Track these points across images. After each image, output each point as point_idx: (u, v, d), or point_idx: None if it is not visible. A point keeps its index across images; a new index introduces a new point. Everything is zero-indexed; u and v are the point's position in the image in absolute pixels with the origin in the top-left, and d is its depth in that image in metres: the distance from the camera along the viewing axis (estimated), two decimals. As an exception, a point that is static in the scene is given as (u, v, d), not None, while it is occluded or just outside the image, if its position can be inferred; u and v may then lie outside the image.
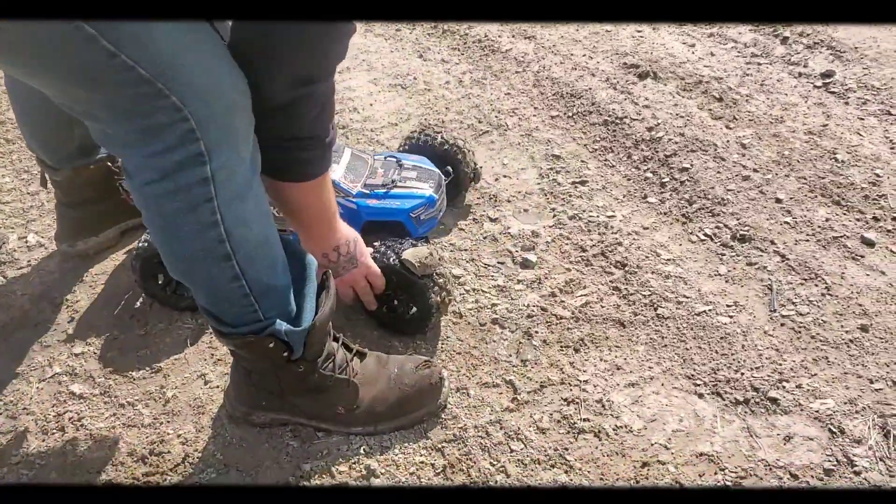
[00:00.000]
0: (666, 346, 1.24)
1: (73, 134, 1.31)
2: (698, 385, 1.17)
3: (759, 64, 2.03)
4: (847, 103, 1.83)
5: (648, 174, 1.65)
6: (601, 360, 1.22)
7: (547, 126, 1.84)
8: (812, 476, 1.03)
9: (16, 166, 1.77)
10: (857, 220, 1.47)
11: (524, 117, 1.87)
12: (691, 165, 1.64)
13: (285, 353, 0.98)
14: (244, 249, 0.88)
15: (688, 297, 1.33)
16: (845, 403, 1.13)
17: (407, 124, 1.86)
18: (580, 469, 1.06)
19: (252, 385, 1.07)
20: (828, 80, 1.92)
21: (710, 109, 1.84)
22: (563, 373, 1.20)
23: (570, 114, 1.88)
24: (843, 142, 1.69)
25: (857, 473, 1.03)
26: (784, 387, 1.16)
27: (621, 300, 1.34)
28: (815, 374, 1.18)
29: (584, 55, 2.13)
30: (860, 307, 1.29)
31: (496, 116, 1.88)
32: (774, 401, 1.14)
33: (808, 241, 1.43)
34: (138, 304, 1.36)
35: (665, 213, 1.54)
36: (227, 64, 0.80)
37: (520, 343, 1.26)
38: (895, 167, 1.60)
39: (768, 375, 1.18)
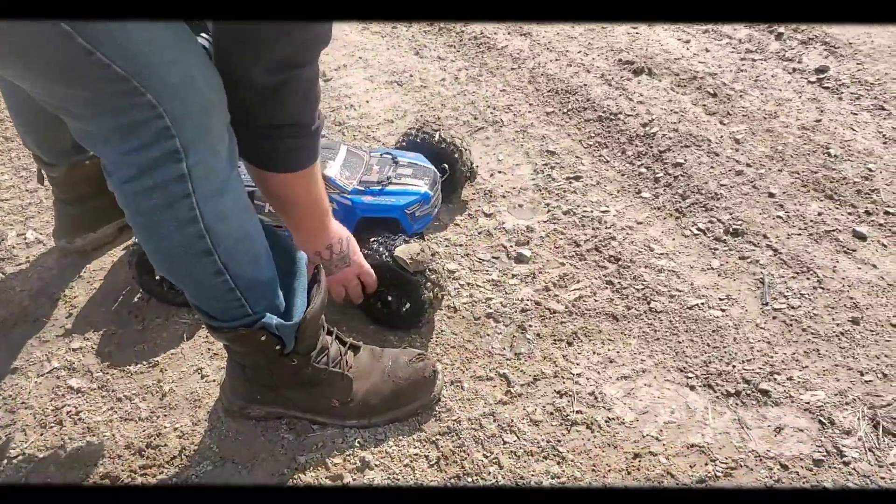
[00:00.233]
0: (658, 339, 1.26)
1: (65, 130, 1.33)
2: (690, 377, 1.18)
3: (754, 60, 2.04)
4: (840, 98, 1.84)
5: (642, 169, 1.66)
6: (594, 353, 1.24)
7: (542, 122, 1.85)
8: (802, 467, 1.04)
9: (14, 163, 1.78)
10: (850, 214, 1.48)
11: (519, 113, 1.88)
12: (685, 161, 1.65)
13: (277, 347, 0.99)
14: (225, 244, 0.89)
15: (680, 291, 1.34)
16: (835, 395, 1.14)
17: (403, 121, 1.87)
18: (573, 461, 1.07)
19: (247, 379, 1.08)
20: (822, 76, 1.93)
21: (704, 105, 1.85)
22: (556, 366, 1.21)
23: (565, 110, 1.89)
24: (837, 137, 1.70)
25: (847, 464, 1.04)
26: (775, 379, 1.17)
27: (614, 294, 1.35)
28: (806, 367, 1.19)
29: (579, 51, 2.14)
30: (851, 300, 1.30)
31: (491, 113, 1.89)
32: (765, 393, 1.15)
33: (800, 235, 1.44)
34: (136, 299, 1.38)
35: (658, 208, 1.55)
36: (202, 62, 0.82)
37: (514, 337, 1.27)
38: (887, 161, 1.61)
39: (759, 368, 1.19)
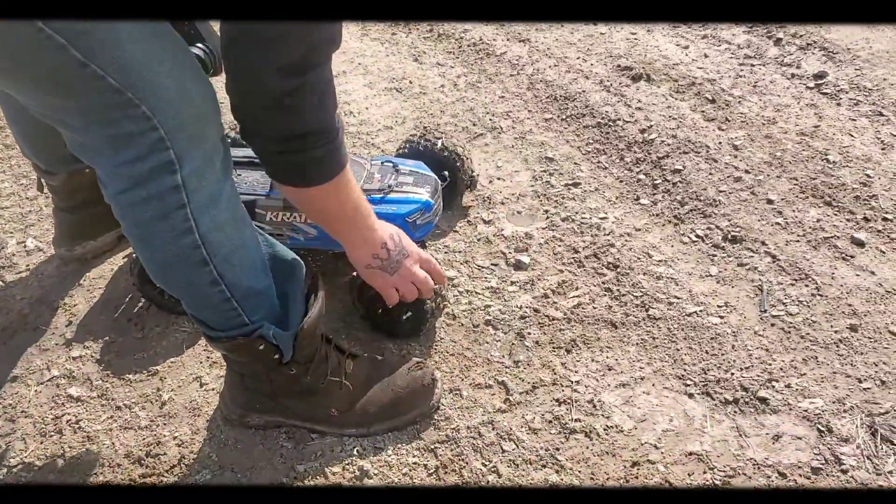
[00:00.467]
0: (657, 346, 1.26)
1: (62, 139, 1.34)
2: (688, 385, 1.19)
3: (752, 65, 2.04)
4: (839, 104, 1.84)
5: (641, 176, 1.66)
6: (593, 360, 1.24)
7: (540, 129, 1.85)
8: (800, 475, 1.04)
9: (14, 171, 1.79)
10: (848, 220, 1.48)
11: (518, 120, 1.89)
12: (683, 167, 1.65)
13: (276, 356, 0.99)
14: (220, 254, 0.89)
15: (679, 298, 1.34)
16: (834, 403, 1.14)
17: (402, 128, 1.88)
18: (571, 469, 1.07)
19: (246, 388, 1.08)
20: (820, 82, 1.93)
21: (702, 111, 1.85)
22: (554, 373, 1.21)
23: (564, 116, 1.89)
24: (835, 143, 1.70)
25: (845, 472, 1.04)
26: (773, 386, 1.17)
27: (613, 301, 1.35)
28: (805, 374, 1.19)
29: (577, 58, 2.15)
30: (850, 307, 1.30)
31: (490, 119, 1.89)
32: (764, 400, 1.15)
33: (798, 241, 1.45)
34: (136, 308, 1.38)
35: (657, 215, 1.55)
36: (196, 73, 0.82)
37: (512, 344, 1.27)
38: (886, 168, 1.61)
39: (758, 375, 1.19)
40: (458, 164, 1.51)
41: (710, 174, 1.63)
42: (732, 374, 1.19)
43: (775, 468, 1.05)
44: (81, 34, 0.71)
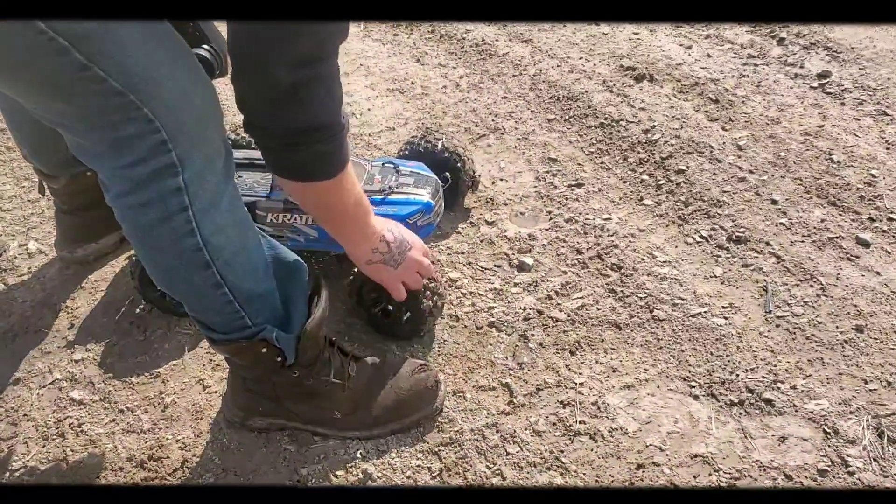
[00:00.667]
0: (661, 348, 1.25)
1: (64, 143, 1.33)
2: (693, 387, 1.18)
3: (756, 65, 2.03)
4: (843, 104, 1.83)
5: (644, 176, 1.65)
6: (597, 362, 1.23)
7: (543, 129, 1.84)
8: (806, 477, 1.04)
9: (16, 174, 1.79)
10: (853, 220, 1.48)
11: (521, 121, 1.88)
12: (687, 167, 1.65)
13: (278, 359, 0.99)
14: (223, 257, 0.88)
15: (683, 299, 1.33)
16: (839, 404, 1.13)
17: (405, 129, 1.87)
18: (576, 471, 1.06)
19: (248, 391, 1.08)
20: (824, 81, 1.92)
21: (706, 111, 1.85)
22: (558, 375, 1.21)
23: (567, 117, 1.88)
24: (839, 142, 1.69)
25: (851, 474, 1.03)
26: (779, 388, 1.16)
27: (617, 302, 1.34)
28: (810, 375, 1.18)
29: (580, 58, 2.14)
30: (855, 308, 1.29)
31: (493, 120, 1.89)
32: (769, 402, 1.14)
33: (803, 242, 1.44)
34: (138, 310, 1.38)
35: (661, 216, 1.54)
36: (198, 76, 0.82)
37: (516, 346, 1.27)
38: (891, 167, 1.60)
39: (763, 377, 1.18)
40: (458, 165, 1.51)
41: (714, 174, 1.63)
42: (737, 375, 1.19)
43: (781, 470, 1.05)
44: (83, 37, 0.71)
